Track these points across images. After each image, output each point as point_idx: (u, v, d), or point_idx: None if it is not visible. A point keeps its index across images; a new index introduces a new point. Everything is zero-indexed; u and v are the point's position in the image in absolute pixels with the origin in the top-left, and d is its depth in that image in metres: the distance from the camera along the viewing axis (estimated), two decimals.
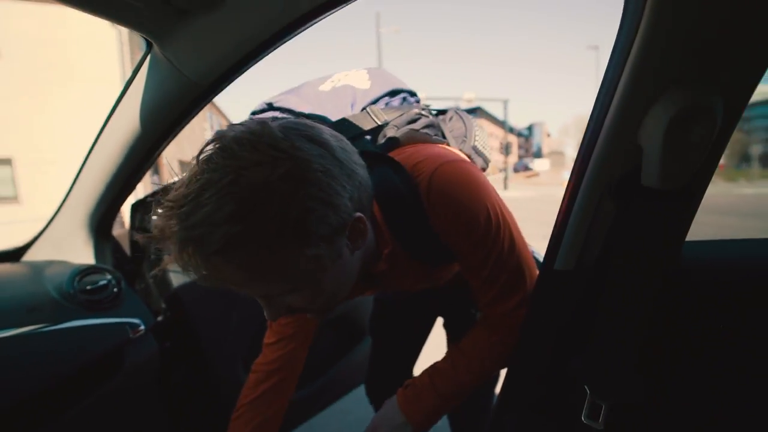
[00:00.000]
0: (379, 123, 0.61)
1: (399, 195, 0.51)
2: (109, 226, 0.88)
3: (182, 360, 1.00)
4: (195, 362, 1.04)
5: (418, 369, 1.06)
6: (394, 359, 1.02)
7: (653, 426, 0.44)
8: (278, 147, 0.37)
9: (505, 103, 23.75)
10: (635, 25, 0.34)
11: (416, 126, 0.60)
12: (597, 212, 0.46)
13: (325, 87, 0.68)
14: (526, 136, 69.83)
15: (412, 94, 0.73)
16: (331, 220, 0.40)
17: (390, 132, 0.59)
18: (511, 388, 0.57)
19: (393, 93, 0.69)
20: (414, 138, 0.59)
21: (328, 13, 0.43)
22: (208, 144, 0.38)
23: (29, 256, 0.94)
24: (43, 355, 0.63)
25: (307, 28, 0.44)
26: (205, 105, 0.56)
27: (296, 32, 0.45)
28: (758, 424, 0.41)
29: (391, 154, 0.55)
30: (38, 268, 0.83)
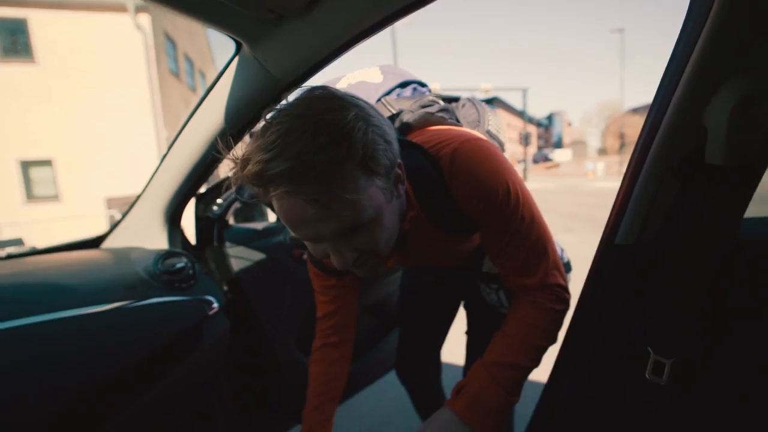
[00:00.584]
0: (394, 112, 0.65)
1: (423, 169, 0.55)
2: (180, 215, 0.97)
3: (242, 338, 1.09)
4: (253, 340, 1.13)
5: (445, 351, 1.15)
6: (421, 342, 1.06)
7: (710, 380, 0.47)
8: (342, 98, 0.43)
9: (524, 92, 23.16)
10: (705, 11, 0.37)
11: (431, 110, 0.63)
12: (660, 189, 0.48)
13: (342, 85, 0.73)
14: (545, 125, 68.00)
15: (422, 84, 0.76)
16: (389, 155, 0.45)
17: (406, 117, 0.62)
18: (568, 356, 0.61)
19: (404, 84, 0.73)
20: (430, 121, 0.62)
21: (404, 16, 0.47)
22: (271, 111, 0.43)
23: (107, 244, 1.04)
24: (142, 326, 0.72)
25: (384, 29, 0.49)
26: (282, 100, 0.62)
27: (373, 34, 0.50)
28: None
29: (409, 137, 0.59)
30: (122, 253, 0.92)
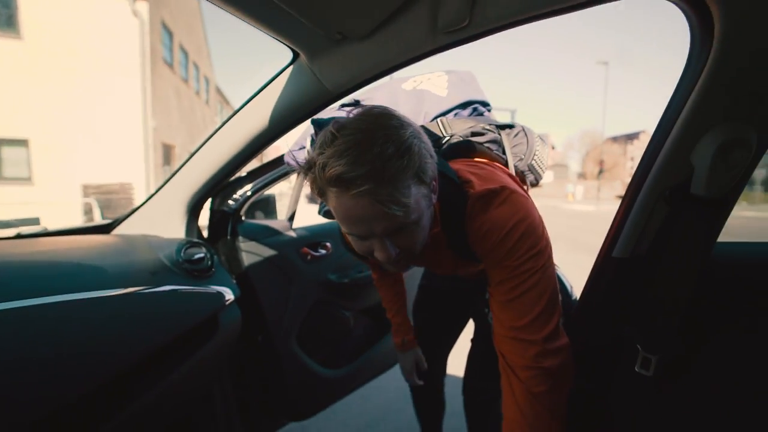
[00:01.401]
0: (446, 135, 0.70)
1: (452, 196, 0.59)
2: (201, 207, 0.99)
3: (247, 331, 1.11)
4: (257, 333, 1.15)
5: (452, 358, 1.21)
6: (431, 343, 1.11)
7: (689, 374, 0.55)
8: (399, 118, 0.50)
9: (513, 113, 23.87)
10: (698, 73, 0.46)
11: (481, 140, 0.67)
12: (652, 213, 0.57)
13: (407, 86, 0.78)
14: None
15: (485, 104, 0.81)
16: (432, 169, 0.52)
17: (454, 140, 0.67)
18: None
19: (465, 105, 0.78)
20: (475, 150, 0.67)
21: (451, 48, 0.54)
22: (332, 125, 0.48)
23: (120, 230, 1.05)
24: (166, 311, 0.74)
25: (432, 56, 0.56)
26: (324, 109, 0.68)
27: (421, 60, 0.57)
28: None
29: (452, 162, 0.63)
30: (139, 240, 0.94)
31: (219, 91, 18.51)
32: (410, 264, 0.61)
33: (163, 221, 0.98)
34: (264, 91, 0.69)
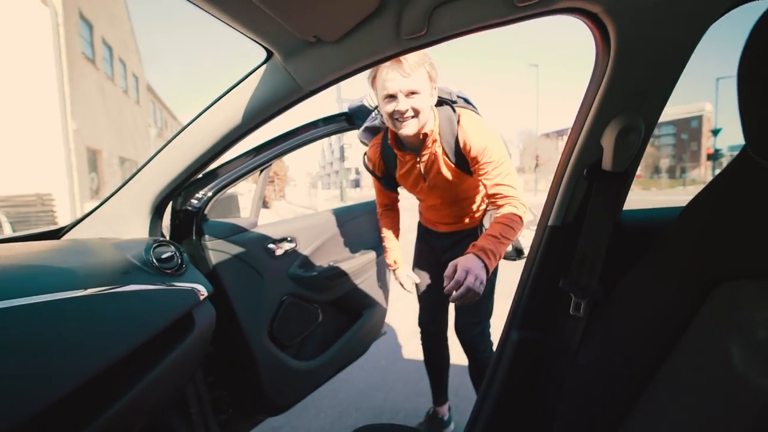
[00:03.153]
0: (454, 99, 1.16)
1: (449, 117, 1.11)
2: (166, 206, 0.98)
3: (219, 328, 1.11)
4: (230, 331, 1.15)
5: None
6: (432, 295, 1.42)
7: (607, 315, 0.70)
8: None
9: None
10: (600, 78, 0.61)
11: (463, 96, 1.21)
12: (575, 188, 0.72)
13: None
14: None
15: (466, 100, 1.24)
16: (436, 79, 1.04)
17: (456, 99, 1.17)
18: (515, 307, 0.82)
19: (459, 96, 1.22)
20: (464, 105, 1.16)
21: (415, 51, 0.63)
22: None
23: (72, 235, 0.99)
24: (143, 310, 0.74)
25: (397, 57, 0.64)
26: (296, 105, 0.73)
27: (388, 60, 0.65)
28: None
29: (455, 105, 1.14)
30: (99, 242, 0.90)
31: (151, 89, 17.04)
32: (415, 126, 1.04)
33: (122, 223, 0.95)
34: (237, 88, 0.72)
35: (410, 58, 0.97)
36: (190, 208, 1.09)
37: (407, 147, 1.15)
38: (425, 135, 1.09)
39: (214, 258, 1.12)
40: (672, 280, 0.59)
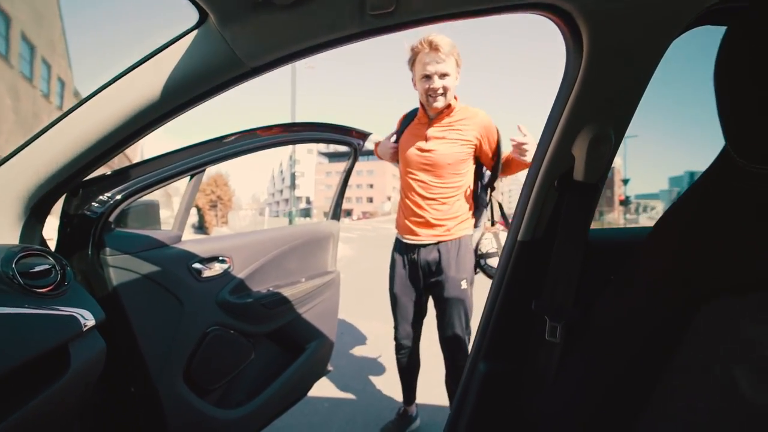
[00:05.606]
0: None
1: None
2: (49, 209, 0.75)
3: (117, 366, 0.86)
4: (131, 371, 0.90)
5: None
6: (409, 314, 1.52)
7: (586, 336, 0.63)
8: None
9: None
10: (570, 85, 0.58)
11: None
12: (545, 200, 0.67)
13: None
14: None
15: None
16: (459, 63, 1.35)
17: None
18: (484, 334, 0.72)
19: None
20: None
21: (386, 33, 0.55)
22: None
23: None
24: None
25: (364, 40, 0.56)
26: (238, 85, 0.60)
27: (352, 42, 0.55)
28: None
29: None
30: None
31: (79, 95, 15.45)
32: (443, 101, 1.34)
33: None
34: (157, 56, 0.57)
35: (444, 47, 1.26)
36: (88, 213, 0.86)
37: (429, 112, 1.42)
38: (444, 108, 1.37)
39: (115, 277, 0.88)
40: (655, 297, 0.54)
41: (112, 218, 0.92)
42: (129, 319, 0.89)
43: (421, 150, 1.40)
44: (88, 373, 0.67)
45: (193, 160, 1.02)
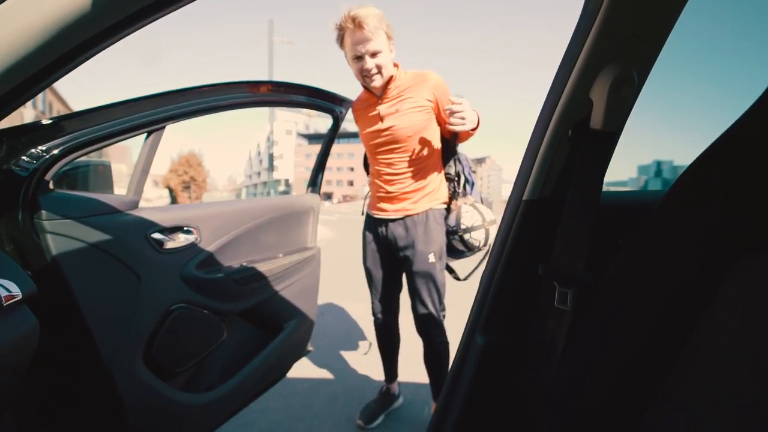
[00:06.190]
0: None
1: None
2: None
3: (62, 349, 0.74)
4: (79, 353, 0.78)
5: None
6: (384, 288, 1.51)
7: (598, 302, 0.57)
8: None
9: None
10: (591, 19, 0.49)
11: None
12: (556, 154, 0.59)
13: None
14: None
15: None
16: (392, 36, 1.26)
17: None
18: (483, 305, 0.65)
19: None
20: None
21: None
22: None
23: None
24: None
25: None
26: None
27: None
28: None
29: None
30: None
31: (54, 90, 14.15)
32: (380, 80, 1.26)
33: None
34: None
35: (370, 23, 1.16)
36: (16, 168, 0.71)
37: (374, 92, 1.34)
38: (388, 81, 1.29)
39: (54, 246, 0.75)
40: (679, 258, 0.48)
41: (49, 177, 0.77)
42: (73, 293, 0.77)
43: (380, 131, 1.34)
44: (15, 356, 0.55)
45: (150, 114, 0.88)
